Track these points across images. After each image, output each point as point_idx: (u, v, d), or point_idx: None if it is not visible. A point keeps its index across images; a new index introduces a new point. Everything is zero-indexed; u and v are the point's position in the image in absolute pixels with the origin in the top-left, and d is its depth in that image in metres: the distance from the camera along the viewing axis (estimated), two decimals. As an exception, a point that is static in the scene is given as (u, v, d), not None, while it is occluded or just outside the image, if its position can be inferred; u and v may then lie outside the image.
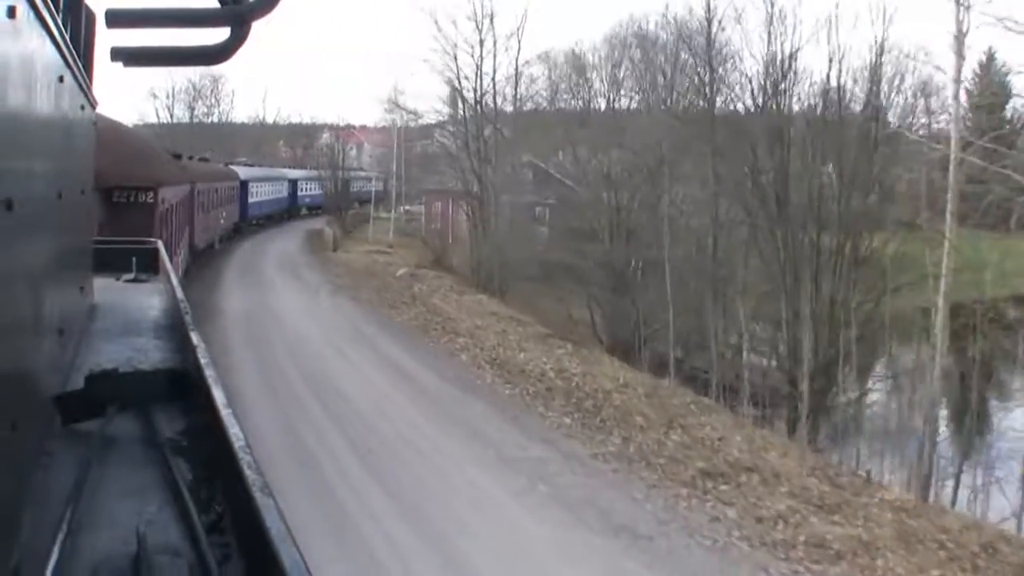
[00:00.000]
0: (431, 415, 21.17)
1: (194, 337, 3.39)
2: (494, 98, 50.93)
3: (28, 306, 2.35)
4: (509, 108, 52.90)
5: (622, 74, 55.88)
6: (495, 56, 49.85)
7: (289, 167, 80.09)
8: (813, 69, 55.24)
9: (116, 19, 2.54)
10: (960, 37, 25.76)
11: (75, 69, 3.50)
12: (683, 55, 43.13)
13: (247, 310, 33.12)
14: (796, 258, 30.15)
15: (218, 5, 2.62)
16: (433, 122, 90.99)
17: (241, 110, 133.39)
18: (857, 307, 29.77)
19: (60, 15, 2.98)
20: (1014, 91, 47.83)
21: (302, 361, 25.71)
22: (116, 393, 3.02)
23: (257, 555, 1.76)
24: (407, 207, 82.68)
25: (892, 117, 38.46)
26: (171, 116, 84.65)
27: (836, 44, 38.18)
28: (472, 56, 50.57)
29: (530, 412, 22.30)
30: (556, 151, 64.71)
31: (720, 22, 39.65)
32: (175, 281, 5.35)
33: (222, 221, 47.55)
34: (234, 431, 2.25)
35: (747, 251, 32.73)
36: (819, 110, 35.09)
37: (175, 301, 4.62)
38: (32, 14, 2.31)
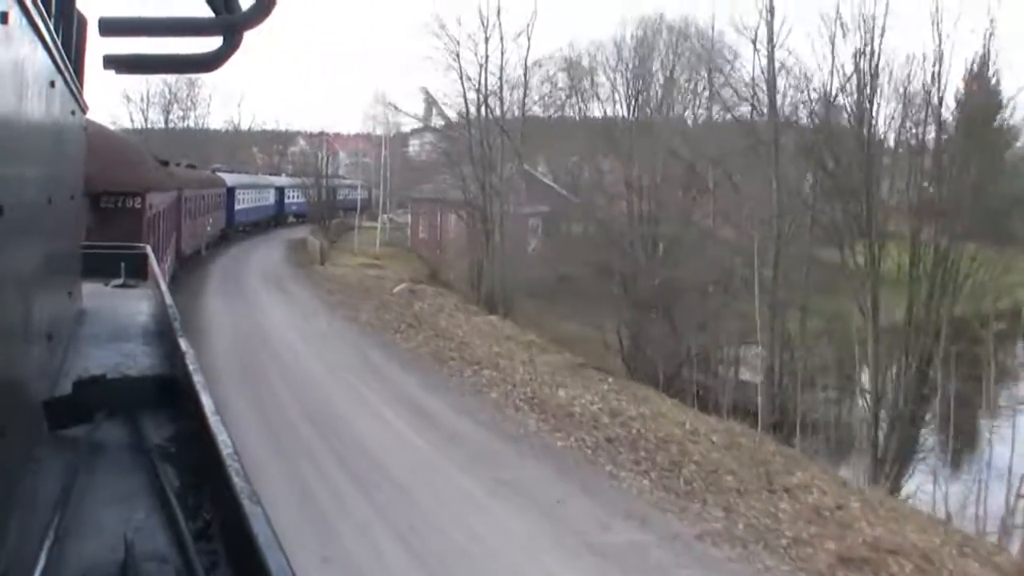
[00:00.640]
0: (478, 478, 16.73)
1: (182, 343, 3.24)
2: (500, 101, 46.23)
3: (17, 311, 2.30)
4: (517, 111, 48.22)
5: (654, 80, 51.11)
6: (503, 54, 45.22)
7: (270, 174, 77.37)
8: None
9: (110, 28, 2.55)
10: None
11: (66, 74, 3.45)
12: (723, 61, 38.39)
13: (236, 335, 28.53)
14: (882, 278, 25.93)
15: (211, 14, 2.60)
16: (418, 127, 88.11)
17: (217, 115, 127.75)
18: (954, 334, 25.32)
19: (52, 20, 2.92)
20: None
21: (309, 402, 21.24)
22: (104, 399, 2.93)
23: (244, 562, 1.68)
24: (390, 216, 78.74)
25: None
26: (145, 120, 79.43)
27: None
28: (476, 54, 45.93)
29: (597, 472, 17.93)
30: (570, 159, 60.65)
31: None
32: (163, 287, 4.99)
33: (208, 228, 46.67)
34: (222, 438, 2.15)
35: (808, 270, 28.31)
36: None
37: (163, 307, 4.40)
38: (24, 19, 2.25)
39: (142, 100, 79.88)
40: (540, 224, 55.56)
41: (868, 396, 25.45)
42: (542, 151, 52.54)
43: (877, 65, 31.83)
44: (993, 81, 38.96)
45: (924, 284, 28.22)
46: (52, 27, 2.89)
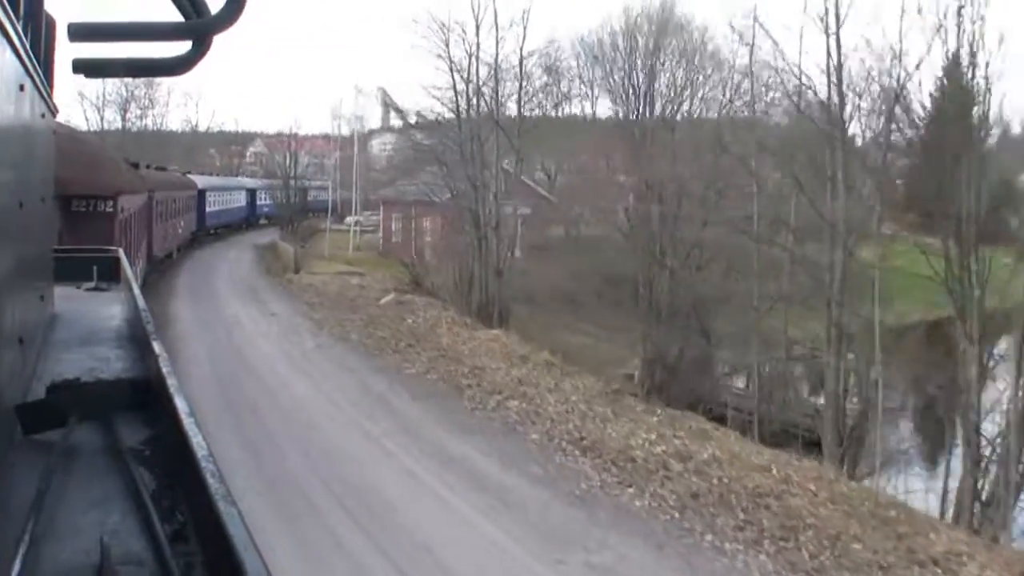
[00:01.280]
0: (546, 560, 12.65)
1: (156, 346, 3.13)
2: (496, 93, 41.92)
3: None
4: (513, 105, 44.00)
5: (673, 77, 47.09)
6: (498, 41, 40.81)
7: (242, 176, 75.44)
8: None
9: (79, 33, 2.55)
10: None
11: (35, 77, 3.26)
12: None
13: (213, 360, 24.29)
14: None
15: (181, 19, 2.59)
16: (376, 127, 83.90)
17: (175, 115, 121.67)
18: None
19: (20, 22, 2.87)
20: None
21: (315, 451, 17.10)
22: (78, 403, 2.84)
23: (221, 564, 1.63)
24: (357, 217, 74.44)
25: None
26: (101, 120, 73.98)
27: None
28: (465, 42, 41.50)
29: (697, 546, 14.03)
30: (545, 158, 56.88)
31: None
32: (136, 290, 4.74)
33: (180, 230, 45.72)
34: (196, 440, 2.10)
35: (877, 280, 24.37)
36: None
37: (136, 310, 4.23)
38: None
39: (98, 98, 74.28)
40: (521, 226, 51.58)
41: (966, 421, 21.55)
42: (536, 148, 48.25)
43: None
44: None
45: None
46: (20, 29, 2.82)
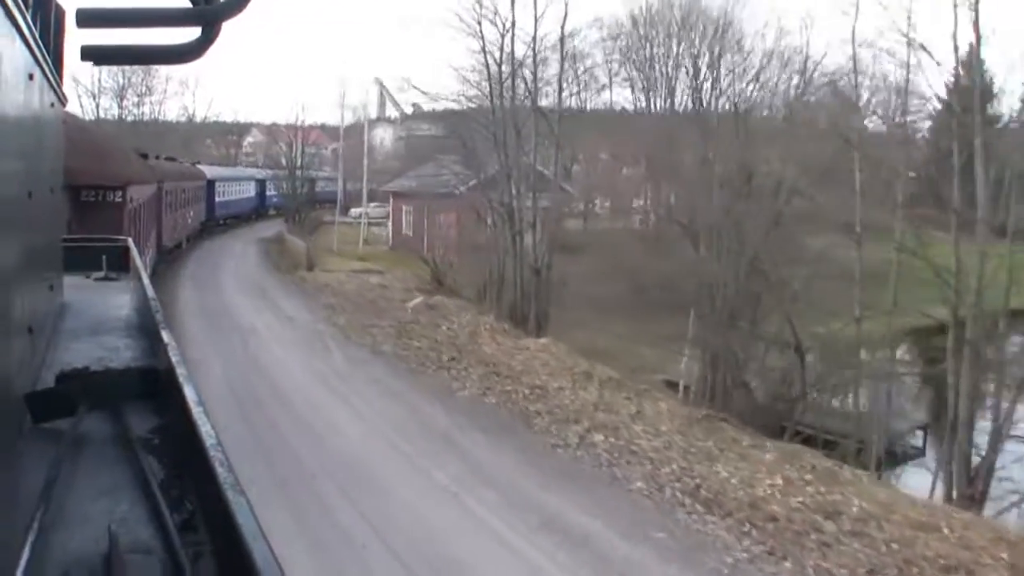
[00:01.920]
0: None
1: (165, 335, 3.11)
2: (534, 75, 37.96)
3: None
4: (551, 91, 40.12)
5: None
6: (537, 19, 36.79)
7: (240, 166, 74.46)
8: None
9: (87, 19, 2.47)
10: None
11: (45, 67, 3.31)
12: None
13: (228, 380, 20.69)
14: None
15: (189, 5, 2.52)
16: (373, 118, 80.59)
17: (172, 103, 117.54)
18: None
19: (29, 12, 2.86)
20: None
21: (377, 516, 13.41)
22: (87, 392, 2.84)
23: (229, 553, 1.62)
24: (364, 209, 70.92)
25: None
26: (97, 108, 70.20)
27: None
28: (498, 17, 37.44)
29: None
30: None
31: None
32: (145, 279, 4.79)
33: (189, 220, 45.03)
34: (205, 429, 2.08)
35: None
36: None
37: (145, 299, 4.20)
38: (1, 11, 2.22)
39: (93, 84, 70.39)
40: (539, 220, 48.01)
41: None
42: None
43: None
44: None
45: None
46: (30, 19, 2.83)
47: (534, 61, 37.05)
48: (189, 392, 2.36)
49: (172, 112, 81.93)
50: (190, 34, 2.51)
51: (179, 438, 2.38)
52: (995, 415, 20.97)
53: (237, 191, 60.87)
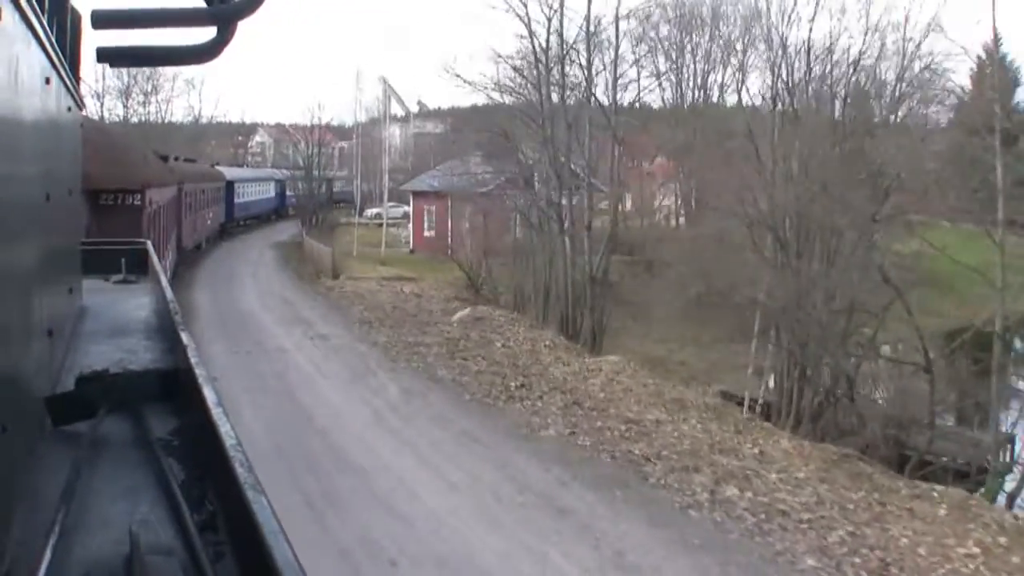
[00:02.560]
0: None
1: (184, 337, 3.11)
2: (589, 62, 34.27)
3: (18, 308, 2.25)
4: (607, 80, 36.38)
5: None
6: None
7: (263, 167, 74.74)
8: None
9: (102, 20, 2.47)
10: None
11: (61, 71, 3.33)
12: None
13: (265, 417, 17.32)
14: None
15: (204, 5, 2.50)
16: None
17: (178, 103, 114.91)
18: None
19: (46, 17, 2.87)
20: None
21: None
22: (107, 394, 2.83)
23: (250, 553, 1.60)
24: (382, 210, 67.73)
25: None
26: (101, 107, 67.27)
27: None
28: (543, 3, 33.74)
29: None
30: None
31: None
32: (164, 282, 4.69)
33: (209, 222, 44.98)
34: (225, 429, 2.08)
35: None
36: None
37: (165, 302, 4.16)
38: (17, 16, 2.21)
39: (96, 82, 67.25)
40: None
41: None
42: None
43: None
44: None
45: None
46: (46, 24, 2.84)
47: (588, 44, 33.28)
48: (208, 393, 2.32)
49: (178, 112, 79.77)
50: (205, 34, 2.46)
51: (199, 439, 2.33)
52: None
53: (257, 192, 60.64)
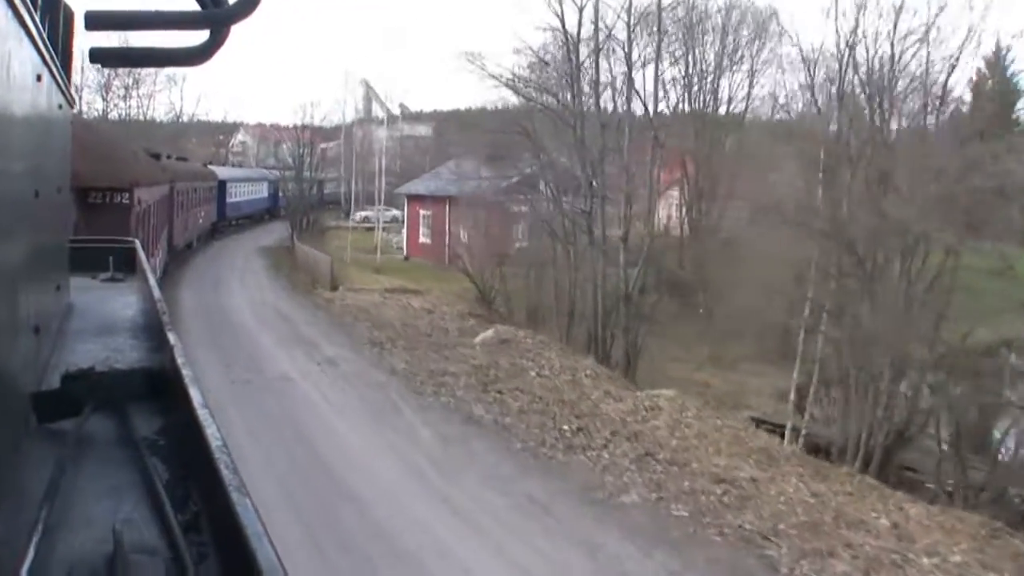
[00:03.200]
0: None
1: (171, 336, 3.03)
2: (628, 55, 30.88)
3: (4, 304, 2.21)
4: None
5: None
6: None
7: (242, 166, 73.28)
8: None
9: (95, 21, 2.46)
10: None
11: (53, 68, 3.24)
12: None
13: (290, 498, 13.74)
14: None
15: (198, 8, 2.49)
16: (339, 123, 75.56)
17: (159, 98, 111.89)
18: None
19: (38, 14, 2.79)
20: None
21: None
22: (92, 392, 2.72)
23: (233, 554, 1.60)
24: (364, 213, 66.52)
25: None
26: (80, 100, 64.18)
27: None
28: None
29: None
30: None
31: None
32: (152, 280, 4.57)
33: (200, 220, 44.78)
34: (210, 430, 2.03)
35: None
36: None
37: (152, 301, 4.07)
38: (10, 12, 2.19)
39: (75, 75, 63.92)
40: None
41: None
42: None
43: None
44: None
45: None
46: (38, 20, 2.78)
47: (628, 34, 29.93)
48: (194, 393, 2.30)
49: (160, 109, 77.25)
50: (198, 36, 2.45)
51: (184, 439, 2.29)
52: None
53: (249, 192, 60.01)
